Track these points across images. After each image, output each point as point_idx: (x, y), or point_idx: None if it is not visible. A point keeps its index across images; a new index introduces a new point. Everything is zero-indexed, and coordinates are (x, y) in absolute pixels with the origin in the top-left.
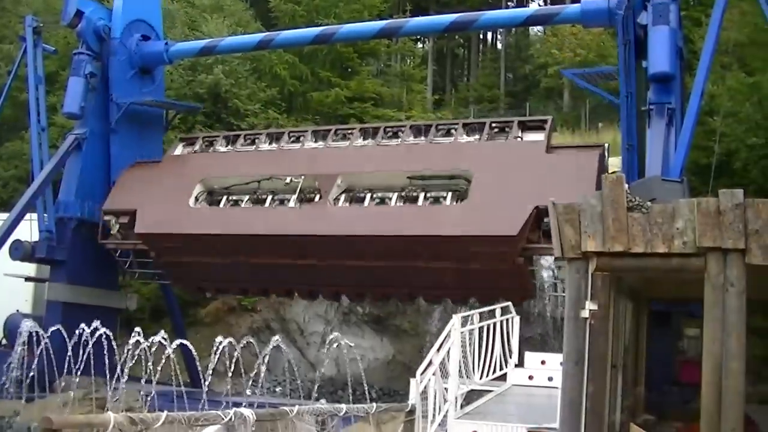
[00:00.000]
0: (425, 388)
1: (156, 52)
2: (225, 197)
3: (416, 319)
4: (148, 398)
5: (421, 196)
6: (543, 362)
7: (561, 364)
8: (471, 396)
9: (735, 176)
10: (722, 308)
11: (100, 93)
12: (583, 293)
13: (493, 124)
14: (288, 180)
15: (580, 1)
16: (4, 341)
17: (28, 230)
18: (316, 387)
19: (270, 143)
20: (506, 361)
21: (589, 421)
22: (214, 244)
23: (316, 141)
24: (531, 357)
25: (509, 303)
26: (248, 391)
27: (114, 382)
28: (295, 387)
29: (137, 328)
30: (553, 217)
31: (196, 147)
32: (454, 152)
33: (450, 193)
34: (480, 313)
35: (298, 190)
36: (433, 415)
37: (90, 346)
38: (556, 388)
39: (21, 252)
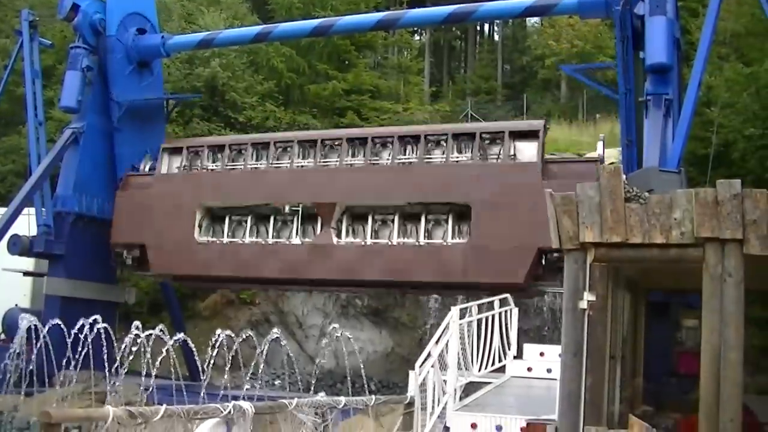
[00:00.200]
0: (424, 380)
1: (153, 45)
2: (227, 218)
3: (415, 311)
4: (147, 392)
5: (422, 217)
6: (542, 354)
7: (559, 355)
8: (470, 388)
9: (733, 167)
10: (720, 299)
11: (97, 87)
12: (581, 284)
13: (484, 135)
14: (287, 209)
15: None
16: (2, 336)
17: (26, 225)
18: (314, 380)
19: (257, 157)
20: (505, 353)
21: (587, 413)
22: (225, 281)
23: (304, 156)
24: (530, 349)
25: (508, 295)
26: (247, 384)
27: (113, 376)
28: (294, 380)
29: (136, 322)
30: (551, 208)
31: (183, 160)
32: (449, 177)
33: (450, 215)
34: (478, 305)
35: (298, 220)
36: (432, 407)
37: (89, 340)
38: (555, 379)
39: (19, 246)
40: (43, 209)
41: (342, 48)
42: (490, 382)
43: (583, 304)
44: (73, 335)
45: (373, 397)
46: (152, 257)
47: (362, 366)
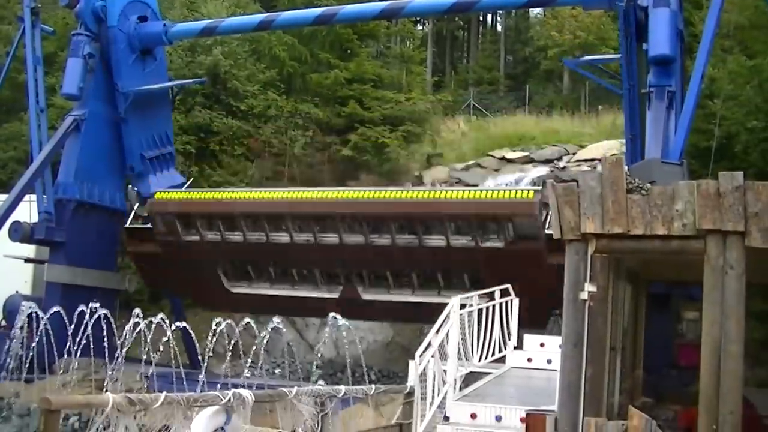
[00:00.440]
0: (424, 370)
1: (155, 33)
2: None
3: None
4: (148, 379)
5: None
6: (542, 345)
7: (560, 346)
8: (470, 378)
9: (735, 160)
10: (721, 291)
11: (99, 74)
12: (582, 275)
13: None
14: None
15: None
16: (3, 322)
17: (27, 212)
18: (315, 369)
19: (250, 228)
20: (505, 344)
21: (587, 404)
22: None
23: (300, 230)
24: (530, 339)
25: (508, 285)
26: (247, 373)
27: (113, 363)
28: (294, 369)
29: (136, 309)
30: (553, 198)
31: (198, 228)
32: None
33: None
34: (479, 295)
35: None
36: (432, 397)
37: (89, 327)
38: (555, 370)
39: (20, 233)
40: (45, 196)
41: (344, 37)
42: (490, 373)
43: (584, 295)
44: (73, 322)
45: (373, 386)
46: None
47: (362, 355)
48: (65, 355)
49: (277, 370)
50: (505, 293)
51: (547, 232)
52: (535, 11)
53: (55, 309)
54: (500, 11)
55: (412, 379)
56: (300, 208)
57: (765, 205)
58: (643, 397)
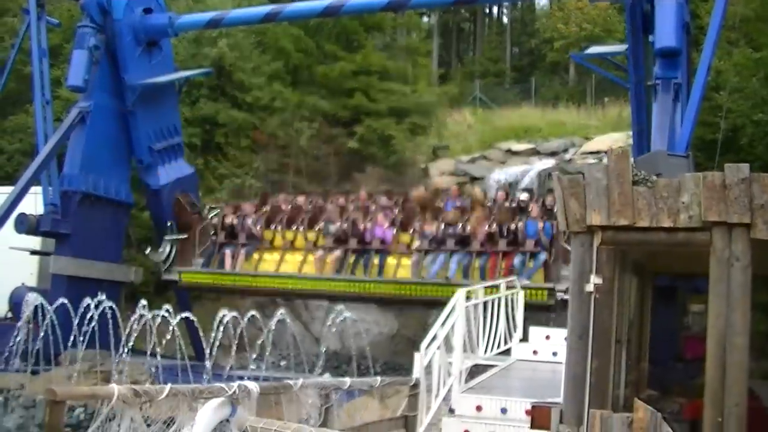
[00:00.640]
0: (429, 362)
1: (160, 25)
2: None
3: None
4: (153, 371)
5: None
6: (548, 337)
7: (565, 339)
8: (475, 370)
9: (741, 152)
10: (727, 283)
11: (104, 66)
12: (587, 267)
13: None
14: None
15: None
16: (9, 314)
17: (33, 204)
18: (320, 361)
19: None
20: (511, 336)
21: (592, 396)
22: None
23: None
24: (536, 332)
25: (514, 277)
26: (252, 365)
27: (119, 355)
28: (299, 361)
29: (142, 302)
30: (558, 190)
31: None
32: None
33: None
34: (485, 288)
35: None
36: (437, 390)
37: (95, 319)
38: (561, 363)
39: (26, 225)
40: (50, 188)
41: (351, 29)
42: (495, 365)
43: (590, 287)
44: (79, 314)
45: (378, 378)
46: None
47: (367, 348)
48: (71, 347)
49: (282, 363)
50: (510, 285)
51: None
52: (542, 3)
53: (61, 301)
54: (506, 3)
55: (418, 372)
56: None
57: None
58: (648, 390)
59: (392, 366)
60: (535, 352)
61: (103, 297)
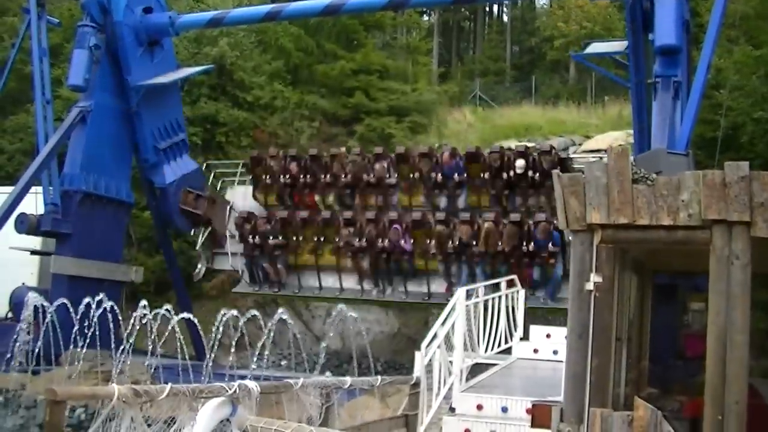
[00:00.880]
0: (430, 361)
1: (161, 24)
2: None
3: None
4: (153, 371)
5: None
6: (548, 336)
7: (565, 337)
8: (476, 369)
9: (741, 150)
10: (727, 281)
11: (104, 65)
12: (587, 265)
13: None
14: None
15: None
16: (10, 314)
17: (34, 203)
18: (321, 360)
19: None
20: (511, 335)
21: (593, 395)
22: None
23: None
24: (536, 330)
25: (515, 276)
26: (253, 365)
27: (119, 354)
28: (300, 360)
29: (143, 301)
30: (558, 188)
31: None
32: None
33: None
34: (485, 286)
35: None
36: (438, 388)
37: (95, 319)
38: (561, 361)
39: (26, 225)
40: (51, 188)
41: (351, 28)
42: (496, 364)
43: (590, 286)
44: (80, 314)
45: (379, 377)
46: None
47: (368, 346)
48: (71, 347)
49: (283, 362)
50: (511, 284)
51: None
52: (542, 2)
53: (62, 301)
54: (506, 1)
55: (418, 370)
56: None
57: None
58: (648, 388)
59: (393, 365)
60: (535, 351)
61: (104, 297)
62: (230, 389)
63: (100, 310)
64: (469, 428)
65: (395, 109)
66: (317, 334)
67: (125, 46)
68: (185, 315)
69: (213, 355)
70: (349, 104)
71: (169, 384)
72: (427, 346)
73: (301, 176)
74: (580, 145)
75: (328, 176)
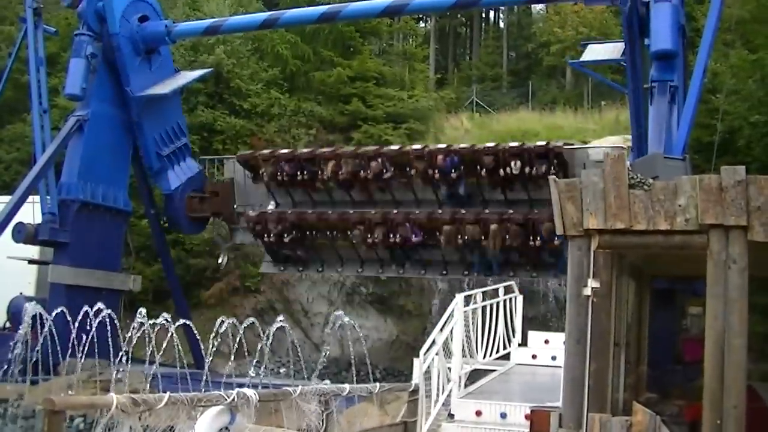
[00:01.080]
0: (429, 367)
1: (158, 32)
2: None
3: (420, 299)
4: (152, 380)
5: None
6: (546, 341)
7: (564, 342)
8: (474, 375)
9: (738, 154)
10: (724, 285)
11: (102, 74)
12: (585, 271)
13: None
14: None
15: None
16: (7, 324)
17: (31, 213)
18: (319, 367)
19: None
20: (510, 341)
21: (591, 400)
22: None
23: None
24: (534, 336)
25: (512, 282)
26: (252, 372)
27: (118, 363)
28: (299, 368)
29: (141, 310)
30: (555, 194)
31: None
32: None
33: None
34: (483, 292)
35: None
36: (437, 395)
37: (93, 328)
38: (560, 366)
39: (24, 234)
40: (48, 197)
41: (347, 35)
42: (494, 370)
43: (587, 291)
44: (78, 323)
45: (378, 384)
46: None
47: (367, 353)
48: (70, 356)
49: (282, 369)
50: (509, 290)
51: None
52: (538, 7)
53: (60, 310)
54: (503, 7)
55: (417, 377)
56: None
57: (767, 200)
58: (647, 393)
59: (392, 372)
60: (534, 357)
61: (102, 305)
62: (229, 397)
63: (98, 319)
64: None
65: (392, 116)
66: (316, 342)
67: (123, 56)
68: (184, 323)
69: (210, 362)
70: (346, 111)
71: (168, 393)
72: (426, 352)
73: (297, 173)
74: None
75: (325, 174)
